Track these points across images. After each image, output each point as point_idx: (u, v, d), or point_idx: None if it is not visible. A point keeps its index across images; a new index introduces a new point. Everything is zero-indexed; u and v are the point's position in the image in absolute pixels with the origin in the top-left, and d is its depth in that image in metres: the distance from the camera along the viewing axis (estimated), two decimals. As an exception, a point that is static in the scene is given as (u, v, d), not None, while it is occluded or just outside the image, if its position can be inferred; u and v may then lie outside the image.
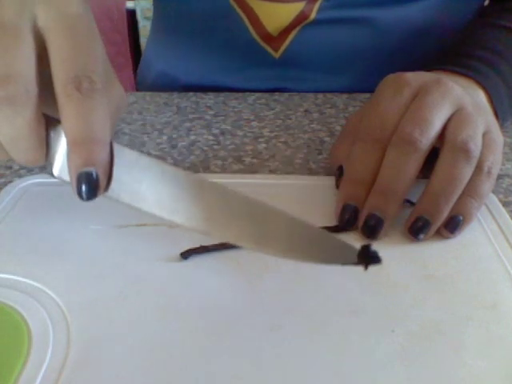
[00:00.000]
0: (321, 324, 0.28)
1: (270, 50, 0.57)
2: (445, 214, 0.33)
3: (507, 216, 0.36)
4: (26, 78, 0.28)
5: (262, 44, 0.56)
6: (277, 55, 0.57)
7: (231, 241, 0.29)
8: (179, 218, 0.28)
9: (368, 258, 0.27)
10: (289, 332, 0.28)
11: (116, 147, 0.29)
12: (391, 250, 0.33)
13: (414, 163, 0.33)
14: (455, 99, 0.35)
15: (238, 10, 0.54)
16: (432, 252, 0.33)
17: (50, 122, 0.29)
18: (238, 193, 0.28)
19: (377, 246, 0.33)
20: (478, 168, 0.33)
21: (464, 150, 0.33)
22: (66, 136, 0.28)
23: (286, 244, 0.28)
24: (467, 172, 0.33)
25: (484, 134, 0.35)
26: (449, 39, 0.52)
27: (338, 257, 0.28)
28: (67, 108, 0.28)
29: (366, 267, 0.28)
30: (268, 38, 0.56)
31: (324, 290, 0.31)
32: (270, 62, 0.57)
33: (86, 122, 0.27)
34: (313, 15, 0.53)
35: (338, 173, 0.37)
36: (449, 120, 0.34)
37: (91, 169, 0.27)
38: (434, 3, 0.55)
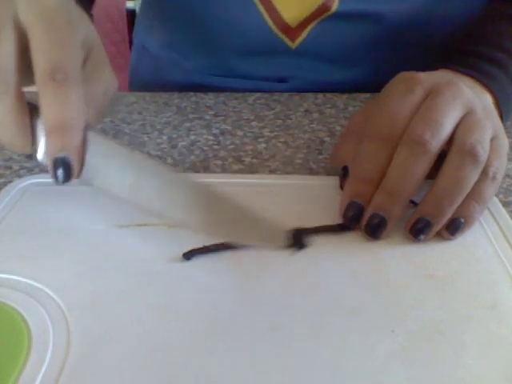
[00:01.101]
0: (321, 324, 0.28)
1: (286, 40, 0.56)
2: (447, 217, 0.33)
3: (507, 216, 0.36)
4: (5, 68, 0.31)
5: (279, 34, 0.56)
6: (293, 45, 0.57)
7: (182, 223, 0.31)
8: (140, 200, 0.31)
9: (298, 242, 0.28)
10: (289, 332, 0.28)
11: (92, 135, 0.31)
12: (391, 249, 0.33)
13: (423, 165, 0.33)
14: (466, 102, 0.35)
15: (256, 1, 0.54)
16: (432, 252, 0.33)
17: (36, 111, 0.31)
18: (196, 183, 0.31)
19: (377, 246, 0.34)
20: (484, 172, 0.33)
21: (472, 154, 0.33)
22: (44, 123, 0.30)
23: (228, 228, 0.30)
24: (473, 176, 0.33)
25: (491, 139, 0.35)
26: (458, 30, 0.52)
27: (272, 238, 0.30)
28: (43, 97, 0.30)
29: (296, 249, 0.29)
30: (286, 28, 0.55)
31: (324, 289, 0.31)
32: (285, 51, 0.57)
33: (60, 111, 0.30)
34: (334, 7, 0.53)
35: (343, 173, 0.37)
36: (458, 123, 0.34)
37: (65, 154, 0.30)
38: None
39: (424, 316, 0.29)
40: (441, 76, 0.37)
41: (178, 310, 0.29)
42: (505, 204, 0.37)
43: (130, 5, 1.93)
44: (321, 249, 0.33)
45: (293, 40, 0.56)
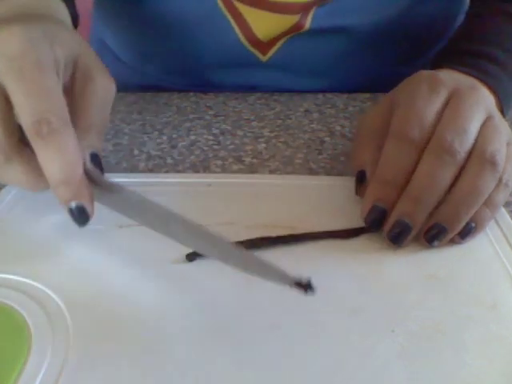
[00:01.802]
0: (321, 324, 0.28)
1: (257, 53, 0.56)
2: (462, 224, 0.33)
3: (508, 216, 0.36)
4: None
5: (250, 48, 0.55)
6: (264, 58, 0.56)
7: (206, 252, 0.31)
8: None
9: (304, 286, 0.27)
10: (289, 332, 0.28)
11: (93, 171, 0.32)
12: (392, 250, 0.33)
13: (450, 174, 0.33)
14: (487, 107, 0.35)
15: (226, 14, 0.53)
16: (432, 252, 0.33)
17: None
18: (199, 225, 0.30)
19: (378, 246, 0.34)
20: (498, 179, 0.33)
21: (491, 163, 0.33)
22: (47, 179, 0.30)
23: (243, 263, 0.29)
24: (491, 185, 0.33)
25: (506, 145, 0.35)
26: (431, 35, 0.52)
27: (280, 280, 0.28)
28: (37, 153, 0.30)
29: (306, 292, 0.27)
30: (257, 43, 0.55)
31: (324, 289, 0.30)
32: (255, 63, 0.56)
33: (56, 165, 0.30)
34: (307, 25, 0.53)
35: (360, 178, 0.36)
36: (480, 129, 0.34)
37: (76, 203, 0.30)
38: (411, 2, 0.55)
39: (424, 316, 0.29)
40: (458, 78, 0.37)
41: (178, 310, 0.29)
42: (505, 204, 0.37)
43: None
44: (321, 249, 0.33)
45: (264, 53, 0.56)
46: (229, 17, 0.53)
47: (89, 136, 0.33)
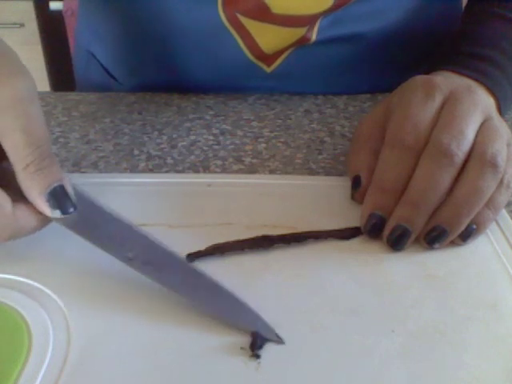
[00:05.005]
0: (321, 324, 0.28)
1: (262, 65, 0.55)
2: (463, 226, 0.33)
3: (507, 216, 0.36)
4: None
5: (255, 61, 0.54)
6: (269, 70, 0.55)
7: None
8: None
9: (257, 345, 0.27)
10: (289, 332, 0.28)
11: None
12: (391, 249, 0.33)
13: (448, 177, 0.32)
14: (484, 109, 0.35)
15: (230, 28, 0.52)
16: (432, 252, 0.33)
17: None
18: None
19: (377, 246, 0.34)
20: (499, 181, 0.33)
21: (492, 164, 0.32)
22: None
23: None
24: (492, 186, 0.33)
25: (507, 147, 0.34)
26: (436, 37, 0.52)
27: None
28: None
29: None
30: (261, 55, 0.54)
31: (324, 289, 0.31)
32: (260, 75, 0.56)
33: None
34: (313, 37, 0.52)
35: (355, 183, 0.36)
36: (478, 130, 0.34)
37: (56, 184, 0.28)
38: (414, 8, 0.55)
39: (424, 316, 0.29)
40: (454, 80, 0.37)
41: (179, 311, 0.29)
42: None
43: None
44: (321, 249, 0.33)
45: (268, 65, 0.55)
46: (232, 31, 0.52)
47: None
